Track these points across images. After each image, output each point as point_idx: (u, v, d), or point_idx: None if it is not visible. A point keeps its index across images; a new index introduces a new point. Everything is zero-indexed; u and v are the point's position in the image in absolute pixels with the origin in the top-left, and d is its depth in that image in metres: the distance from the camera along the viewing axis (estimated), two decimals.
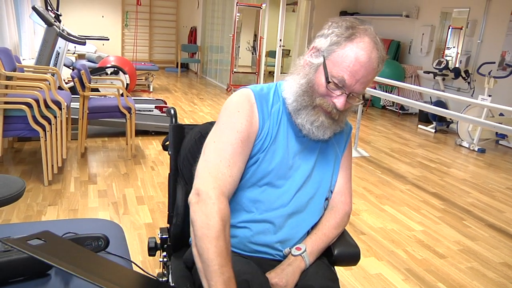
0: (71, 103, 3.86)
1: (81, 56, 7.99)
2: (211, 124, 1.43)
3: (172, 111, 1.50)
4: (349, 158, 1.34)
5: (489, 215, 3.28)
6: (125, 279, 1.07)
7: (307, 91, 1.14)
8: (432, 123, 6.24)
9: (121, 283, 1.01)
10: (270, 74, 9.98)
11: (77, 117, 3.89)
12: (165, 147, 1.48)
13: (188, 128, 1.47)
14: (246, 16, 9.65)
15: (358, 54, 1.07)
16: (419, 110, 6.68)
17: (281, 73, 8.46)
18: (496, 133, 5.51)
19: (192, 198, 1.05)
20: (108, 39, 6.11)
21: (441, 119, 6.10)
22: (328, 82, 1.10)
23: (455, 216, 3.19)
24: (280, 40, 7.94)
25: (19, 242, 0.83)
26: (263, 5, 7.85)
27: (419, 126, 6.44)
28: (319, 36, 1.15)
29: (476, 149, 5.19)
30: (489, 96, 5.32)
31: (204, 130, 1.40)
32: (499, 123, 3.30)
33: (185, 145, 1.41)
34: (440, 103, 5.95)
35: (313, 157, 1.24)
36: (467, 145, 5.33)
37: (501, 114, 5.43)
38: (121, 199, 3.02)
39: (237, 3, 7.67)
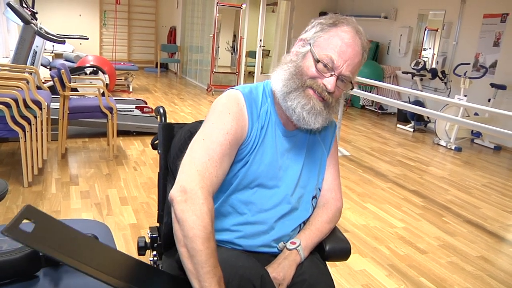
0: (51, 103, 3.78)
1: (58, 56, 7.85)
2: (200, 123, 1.42)
3: (161, 110, 1.50)
4: (336, 155, 1.36)
5: (467, 211, 3.38)
6: (121, 266, 1.07)
7: (297, 74, 1.15)
8: (411, 123, 6.37)
9: (117, 272, 1.01)
10: (250, 74, 10.00)
11: (56, 117, 3.82)
12: (154, 146, 1.48)
13: (178, 127, 1.47)
14: (225, 17, 9.64)
15: (343, 36, 1.12)
16: (398, 109, 6.82)
17: (261, 73, 8.49)
18: (472, 132, 5.67)
19: (176, 195, 1.00)
20: (88, 38, 6.02)
21: (419, 119, 6.24)
22: (317, 62, 1.12)
23: (434, 213, 3.27)
24: (260, 40, 7.97)
25: (12, 230, 0.81)
26: (243, 5, 7.86)
27: (398, 125, 6.56)
28: (305, 31, 1.19)
29: (453, 147, 5.33)
30: (465, 96, 5.47)
31: (194, 128, 1.40)
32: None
33: (175, 143, 1.41)
34: (418, 103, 6.08)
35: (301, 156, 1.26)
36: (444, 144, 5.46)
37: (476, 114, 5.59)
38: (104, 200, 2.98)
39: (217, 3, 7.66)
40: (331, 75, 1.12)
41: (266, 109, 1.20)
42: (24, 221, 0.84)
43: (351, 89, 1.19)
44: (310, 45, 1.14)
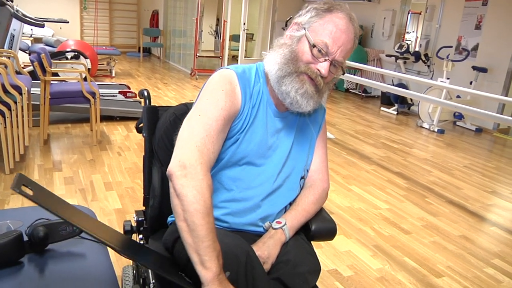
0: (31, 89, 3.70)
1: (37, 40, 7.64)
2: (185, 106, 1.42)
3: (146, 93, 1.48)
4: (324, 138, 1.38)
5: (449, 192, 3.44)
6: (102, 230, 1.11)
7: (292, 59, 1.16)
8: (394, 106, 6.42)
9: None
10: (233, 58, 9.92)
11: (37, 103, 3.74)
12: (139, 130, 1.46)
13: (162, 110, 1.45)
14: (208, 0, 9.50)
15: (338, 22, 1.14)
16: (382, 93, 6.86)
17: (245, 57, 8.41)
18: (454, 114, 5.75)
19: (175, 170, 1.00)
20: (68, 22, 5.88)
21: (402, 102, 6.30)
22: (313, 46, 1.13)
23: (418, 194, 3.33)
24: (244, 24, 7.88)
25: (19, 188, 0.84)
26: None
27: (382, 108, 6.62)
28: (298, 15, 1.20)
29: (435, 130, 5.40)
30: (448, 78, 5.53)
31: (178, 111, 1.39)
32: None
33: (159, 126, 1.40)
34: (402, 86, 6.12)
35: (291, 137, 1.27)
36: (427, 126, 5.53)
37: (458, 96, 5.66)
38: (88, 185, 2.95)
39: None
40: (325, 60, 1.14)
41: (259, 89, 1.22)
42: (22, 188, 0.86)
43: (342, 74, 1.22)
44: (305, 29, 1.16)
